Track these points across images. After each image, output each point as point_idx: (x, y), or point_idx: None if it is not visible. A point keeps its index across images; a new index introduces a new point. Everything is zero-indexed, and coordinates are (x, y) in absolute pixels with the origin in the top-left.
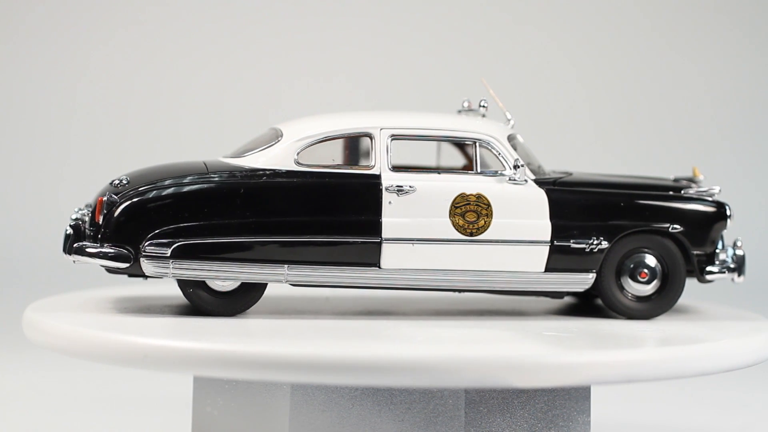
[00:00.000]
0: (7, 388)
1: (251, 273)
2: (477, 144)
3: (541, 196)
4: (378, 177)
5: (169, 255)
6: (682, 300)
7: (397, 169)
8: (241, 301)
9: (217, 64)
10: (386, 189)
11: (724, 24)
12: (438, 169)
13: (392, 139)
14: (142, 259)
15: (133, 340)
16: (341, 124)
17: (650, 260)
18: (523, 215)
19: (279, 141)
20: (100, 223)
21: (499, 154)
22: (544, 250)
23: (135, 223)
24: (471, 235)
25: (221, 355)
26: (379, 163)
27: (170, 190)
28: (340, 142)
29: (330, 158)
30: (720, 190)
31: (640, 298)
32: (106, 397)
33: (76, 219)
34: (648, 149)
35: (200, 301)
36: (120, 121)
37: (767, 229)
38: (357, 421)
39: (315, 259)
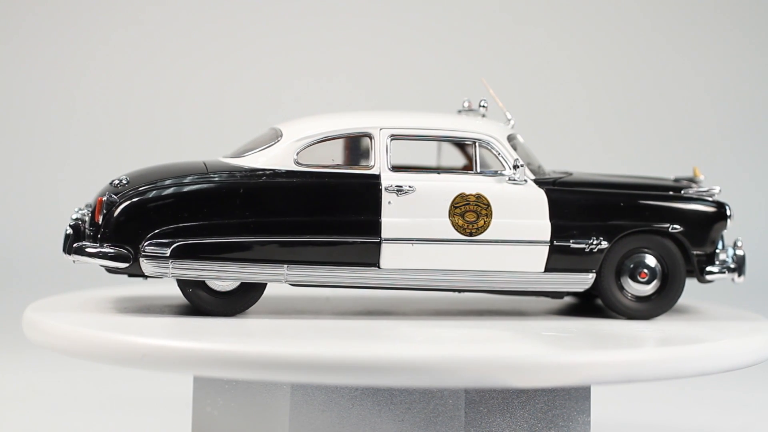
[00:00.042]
0: (7, 388)
1: (251, 273)
2: (476, 144)
3: (540, 196)
4: (377, 177)
5: (168, 255)
6: (682, 300)
7: (396, 169)
8: (240, 301)
9: (217, 64)
10: (386, 189)
11: (724, 24)
12: (437, 169)
13: (392, 139)
14: (141, 259)
15: (133, 340)
16: (341, 124)
17: (650, 260)
18: (523, 215)
19: (279, 141)
20: (100, 223)
21: (499, 154)
22: (544, 250)
23: (134, 223)
24: (470, 235)
25: (221, 355)
26: (378, 163)
27: (170, 190)
28: (339, 142)
29: (329, 158)
30: (720, 190)
31: (639, 298)
32: (106, 397)
33: (76, 219)
34: (648, 149)
35: (200, 301)
36: (120, 121)
37: (767, 229)
38: (357, 421)
39: (314, 259)
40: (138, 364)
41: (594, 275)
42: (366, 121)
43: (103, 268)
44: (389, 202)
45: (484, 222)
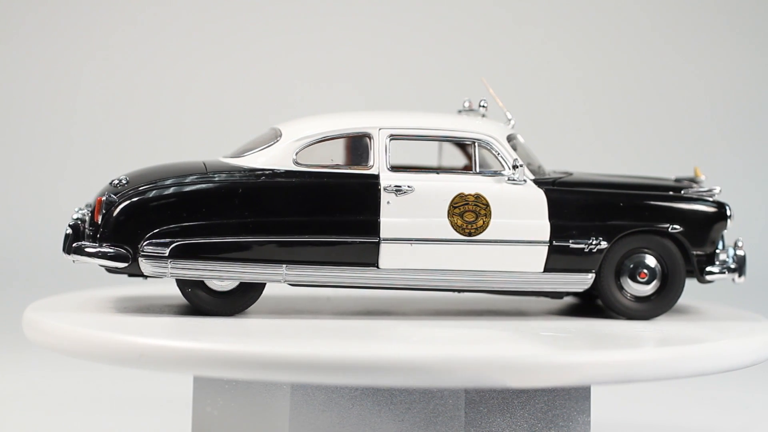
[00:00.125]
0: (7, 388)
1: (250, 273)
2: (476, 144)
3: (540, 196)
4: (376, 177)
5: (167, 255)
6: (682, 300)
7: (395, 169)
8: (239, 300)
9: (218, 64)
10: (385, 189)
11: (724, 24)
12: (437, 169)
13: (391, 139)
14: (140, 259)
15: (133, 340)
16: (340, 124)
17: (650, 260)
18: (522, 215)
19: (278, 141)
20: (99, 222)
21: (498, 154)
22: (543, 251)
23: (133, 222)
24: (469, 235)
25: (221, 355)
26: (377, 163)
27: (169, 190)
28: (338, 142)
29: (329, 158)
30: (720, 190)
31: (639, 299)
32: (106, 397)
33: (77, 219)
34: (648, 149)
35: (199, 301)
36: (120, 121)
37: (767, 229)
38: (357, 421)
39: (313, 259)
40: (137, 364)
41: (593, 275)
42: (365, 121)
43: (102, 268)
44: (388, 202)
45: (483, 222)
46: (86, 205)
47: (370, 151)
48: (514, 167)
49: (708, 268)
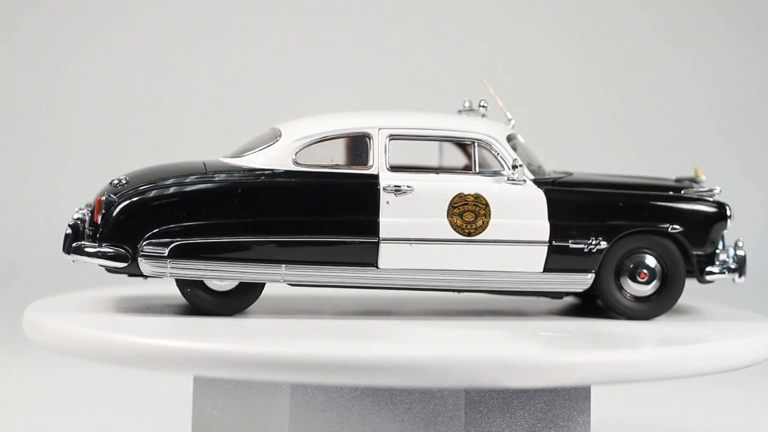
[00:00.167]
0: (7, 388)
1: (249, 273)
2: (475, 144)
3: (539, 196)
4: (376, 177)
5: (166, 254)
6: (682, 300)
7: (395, 169)
8: (239, 300)
9: (218, 64)
10: (384, 189)
11: (723, 24)
12: (436, 169)
13: (390, 139)
14: (139, 259)
15: (133, 340)
16: (339, 124)
17: (650, 260)
18: (522, 215)
19: (277, 141)
20: (99, 222)
21: (498, 154)
22: (543, 251)
23: (133, 222)
24: (469, 235)
25: (221, 355)
26: (377, 163)
27: (169, 190)
28: (338, 142)
29: (328, 158)
30: (720, 191)
31: (639, 299)
32: (106, 397)
33: (77, 219)
34: (648, 149)
35: (198, 301)
36: (121, 121)
37: (767, 229)
38: (357, 421)
39: (313, 258)
40: (137, 364)
41: (593, 275)
42: (364, 121)
43: (102, 268)
44: (387, 202)
45: (483, 222)
46: (86, 205)
47: (370, 151)
48: (514, 167)
49: (708, 268)
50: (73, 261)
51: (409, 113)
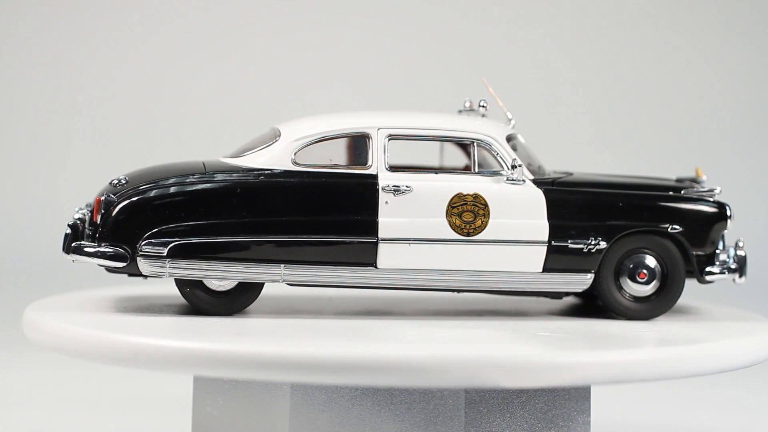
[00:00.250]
0: (7, 388)
1: (248, 272)
2: (475, 144)
3: (538, 196)
4: (375, 177)
5: (165, 254)
6: (682, 300)
7: (394, 168)
8: (238, 300)
9: (218, 63)
10: (383, 189)
11: (723, 24)
12: (435, 169)
13: (389, 139)
14: (139, 259)
15: (133, 340)
16: (338, 124)
17: (649, 261)
18: (521, 215)
19: (277, 141)
20: (98, 222)
21: (497, 154)
22: (542, 251)
23: (132, 222)
24: (468, 235)
25: (221, 355)
26: (376, 163)
27: (168, 190)
28: (337, 142)
29: (327, 158)
30: (720, 191)
31: (639, 299)
32: (106, 397)
33: (77, 219)
34: (648, 149)
35: (197, 301)
36: (121, 121)
37: (767, 229)
38: (357, 421)
39: (312, 258)
40: (137, 364)
41: (592, 276)
42: (364, 121)
43: (102, 268)
44: (386, 202)
45: (482, 222)
46: (86, 205)
47: (369, 151)
48: (513, 167)
49: (708, 269)
50: (73, 261)
51: (408, 113)
